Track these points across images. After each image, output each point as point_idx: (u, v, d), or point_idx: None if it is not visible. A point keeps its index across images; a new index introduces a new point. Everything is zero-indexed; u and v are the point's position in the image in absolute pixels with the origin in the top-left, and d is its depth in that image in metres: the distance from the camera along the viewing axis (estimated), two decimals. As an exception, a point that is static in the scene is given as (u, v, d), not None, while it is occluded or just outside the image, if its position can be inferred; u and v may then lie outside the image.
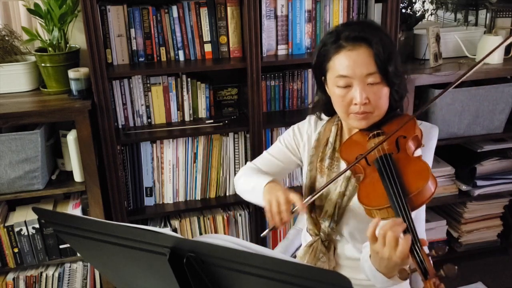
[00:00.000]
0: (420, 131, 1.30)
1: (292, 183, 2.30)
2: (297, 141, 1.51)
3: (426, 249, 1.03)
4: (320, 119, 1.49)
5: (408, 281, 1.38)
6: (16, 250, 2.02)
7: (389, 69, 1.25)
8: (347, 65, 1.25)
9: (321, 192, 1.29)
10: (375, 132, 1.29)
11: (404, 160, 1.20)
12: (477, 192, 2.43)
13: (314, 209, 1.42)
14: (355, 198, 1.33)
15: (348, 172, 1.33)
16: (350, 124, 1.36)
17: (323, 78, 1.35)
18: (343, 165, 1.37)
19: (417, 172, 1.15)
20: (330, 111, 1.40)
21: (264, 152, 1.57)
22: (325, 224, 1.38)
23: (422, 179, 1.12)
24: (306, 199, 1.28)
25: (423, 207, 1.44)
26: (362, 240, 1.33)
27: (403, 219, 1.05)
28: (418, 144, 1.29)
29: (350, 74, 1.25)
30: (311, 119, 1.51)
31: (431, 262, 1.00)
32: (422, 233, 1.54)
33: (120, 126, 2.10)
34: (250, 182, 1.44)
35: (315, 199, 1.41)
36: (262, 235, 1.31)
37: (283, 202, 1.25)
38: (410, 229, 1.03)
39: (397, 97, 1.33)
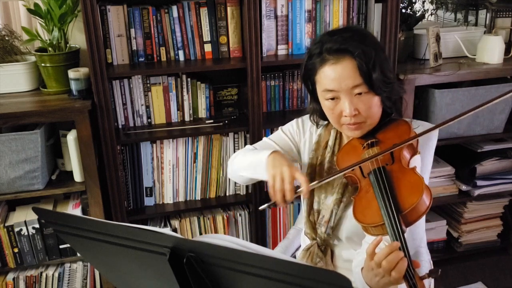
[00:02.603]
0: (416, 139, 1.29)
1: (292, 183, 2.29)
2: (299, 135, 1.49)
3: (418, 271, 1.04)
4: (318, 126, 1.46)
5: None
6: (16, 250, 2.02)
7: (374, 79, 1.22)
8: (332, 79, 1.23)
9: (327, 180, 1.26)
10: (369, 142, 1.28)
11: (398, 173, 1.18)
12: (477, 192, 2.43)
13: (312, 212, 1.42)
14: (351, 206, 1.32)
15: (345, 180, 1.33)
16: (344, 133, 1.35)
17: (313, 87, 1.33)
18: None
19: (410, 187, 1.14)
20: (327, 117, 1.37)
21: (264, 138, 1.52)
22: (321, 230, 1.38)
23: (416, 195, 1.10)
24: (313, 183, 1.24)
25: None
26: (360, 242, 1.33)
27: (396, 238, 1.06)
28: (414, 152, 1.27)
29: (336, 87, 1.23)
30: (313, 123, 1.48)
31: (424, 285, 1.01)
32: (422, 236, 1.55)
33: (120, 126, 2.10)
34: (248, 158, 1.37)
35: (314, 202, 1.41)
36: (260, 208, 1.24)
37: (287, 180, 1.19)
38: (403, 251, 1.04)
39: (388, 104, 1.30)
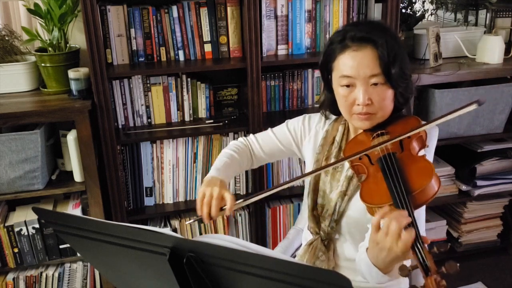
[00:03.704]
0: (424, 132, 1.29)
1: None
2: (303, 132, 1.51)
3: (427, 247, 1.03)
4: (327, 118, 1.48)
5: (407, 277, 1.38)
6: (16, 250, 2.02)
7: (392, 72, 1.23)
8: (351, 66, 1.24)
9: (254, 199, 1.27)
10: (379, 132, 1.29)
11: (407, 159, 1.19)
12: (477, 192, 2.43)
13: (316, 207, 1.42)
14: (355, 198, 1.33)
15: (350, 172, 1.33)
16: (353, 124, 1.36)
17: (329, 76, 1.35)
18: (347, 165, 1.36)
19: (420, 170, 1.14)
20: (337, 111, 1.38)
21: (269, 129, 1.57)
22: (325, 223, 1.39)
23: (426, 177, 1.11)
24: (237, 202, 1.27)
25: (423, 208, 1.44)
26: (361, 239, 1.33)
27: None
28: (423, 145, 1.28)
29: (353, 74, 1.25)
30: (322, 115, 1.50)
31: (432, 259, 0.99)
32: (422, 234, 1.55)
33: (120, 126, 2.10)
34: (216, 162, 1.48)
35: (319, 197, 1.41)
36: (187, 223, 1.32)
37: (215, 196, 1.26)
38: (412, 226, 1.03)
39: (401, 100, 1.32)
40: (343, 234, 1.39)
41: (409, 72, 1.31)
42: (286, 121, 1.56)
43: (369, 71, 1.23)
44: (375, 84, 1.24)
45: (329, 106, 1.42)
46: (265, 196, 1.26)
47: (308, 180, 1.47)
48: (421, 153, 1.27)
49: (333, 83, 1.33)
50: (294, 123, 1.53)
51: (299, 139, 1.51)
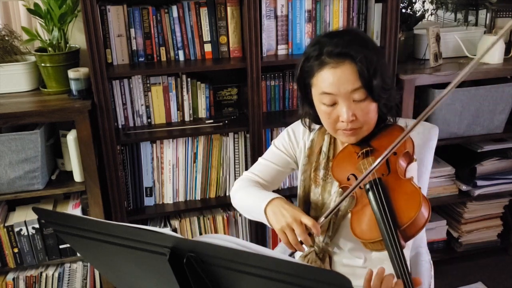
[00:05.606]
0: (412, 145, 1.27)
1: (292, 183, 2.29)
2: (293, 146, 1.46)
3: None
4: (310, 130, 1.43)
5: None
6: (16, 250, 2.02)
7: (374, 85, 1.20)
8: (331, 82, 1.21)
9: (333, 211, 1.23)
10: (364, 151, 1.26)
11: (394, 184, 1.17)
12: (477, 192, 2.43)
13: None
14: (350, 215, 1.31)
15: (341, 190, 1.31)
16: (339, 139, 1.34)
17: (308, 91, 1.31)
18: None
19: (408, 200, 1.13)
20: (321, 121, 1.34)
21: (259, 158, 1.51)
22: (319, 239, 1.37)
23: (414, 208, 1.09)
24: (320, 221, 1.22)
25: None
26: (360, 247, 1.33)
27: (394, 255, 1.06)
28: (410, 160, 1.26)
29: (334, 91, 1.21)
30: (305, 127, 1.45)
31: None
32: (422, 236, 1.54)
33: (120, 126, 2.10)
34: (248, 201, 1.36)
35: (311, 210, 1.39)
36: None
37: (299, 231, 1.19)
38: (401, 271, 1.05)
39: (385, 110, 1.29)
40: (340, 247, 1.37)
41: (391, 81, 1.28)
42: (272, 142, 1.50)
43: (350, 86, 1.20)
44: (357, 100, 1.22)
45: (312, 119, 1.38)
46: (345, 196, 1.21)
47: (299, 190, 1.43)
48: (409, 170, 1.25)
49: (314, 99, 1.29)
50: (282, 141, 1.48)
51: (292, 154, 1.47)
